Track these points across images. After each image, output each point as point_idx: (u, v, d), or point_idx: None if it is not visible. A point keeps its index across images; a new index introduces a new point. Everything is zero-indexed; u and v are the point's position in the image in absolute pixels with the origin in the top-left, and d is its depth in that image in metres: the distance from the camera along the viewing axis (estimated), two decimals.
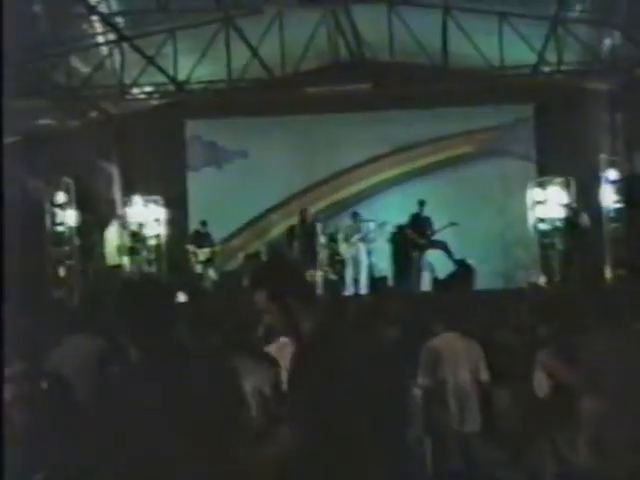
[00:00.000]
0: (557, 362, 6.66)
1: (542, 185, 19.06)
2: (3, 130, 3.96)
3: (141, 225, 19.05)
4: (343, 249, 17.85)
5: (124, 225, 18.09)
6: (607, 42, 16.89)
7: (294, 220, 18.42)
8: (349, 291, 17.60)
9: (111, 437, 3.61)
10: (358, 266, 17.68)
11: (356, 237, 17.72)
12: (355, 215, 18.13)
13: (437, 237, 17.14)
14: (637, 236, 17.09)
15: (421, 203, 17.19)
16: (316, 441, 3.79)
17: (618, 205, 18.00)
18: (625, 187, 17.88)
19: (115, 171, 19.40)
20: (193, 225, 19.02)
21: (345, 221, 18.47)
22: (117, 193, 19.45)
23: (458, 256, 16.92)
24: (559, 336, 7.54)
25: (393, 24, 17.26)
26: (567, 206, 18.29)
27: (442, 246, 16.84)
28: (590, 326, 6.51)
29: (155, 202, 19.67)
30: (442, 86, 17.81)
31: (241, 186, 19.81)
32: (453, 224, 16.80)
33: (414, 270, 17.14)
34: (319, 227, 17.78)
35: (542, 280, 18.05)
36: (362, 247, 17.70)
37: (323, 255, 17.47)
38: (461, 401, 7.96)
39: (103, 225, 18.08)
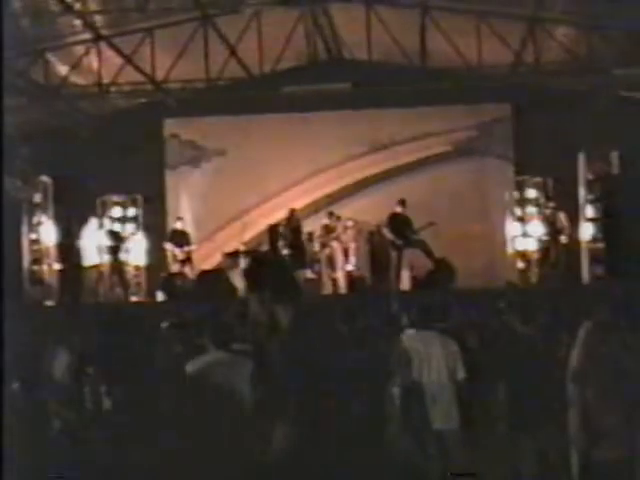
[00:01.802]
0: None
1: (520, 186, 19.17)
2: (3, 130, 3.96)
3: (120, 224, 19.00)
4: (319, 248, 17.89)
5: (102, 224, 18.02)
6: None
7: (273, 219, 18.41)
8: (327, 290, 17.64)
9: None
10: (334, 265, 17.72)
11: (332, 236, 17.75)
12: (330, 214, 18.15)
13: (416, 236, 17.14)
14: (614, 235, 17.18)
15: (402, 202, 17.19)
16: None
17: (595, 204, 18.08)
18: (601, 186, 17.97)
19: (94, 170, 19.30)
20: (171, 224, 18.98)
21: (323, 220, 18.45)
22: (96, 192, 19.36)
23: (437, 255, 16.94)
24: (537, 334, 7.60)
25: (371, 23, 17.29)
26: (544, 206, 18.38)
27: (421, 245, 16.85)
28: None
29: (133, 201, 19.65)
30: (420, 85, 17.85)
31: (219, 185, 19.80)
32: (432, 224, 16.80)
33: (392, 269, 17.15)
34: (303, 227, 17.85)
35: (520, 279, 18.14)
36: (338, 246, 17.74)
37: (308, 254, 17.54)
38: (438, 399, 7.98)
39: (82, 224, 17.99)
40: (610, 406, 6.04)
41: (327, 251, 17.81)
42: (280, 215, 18.36)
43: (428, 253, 16.77)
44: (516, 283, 17.56)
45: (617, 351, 6.16)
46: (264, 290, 4.25)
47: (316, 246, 17.89)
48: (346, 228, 18.04)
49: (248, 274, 4.11)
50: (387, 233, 17.11)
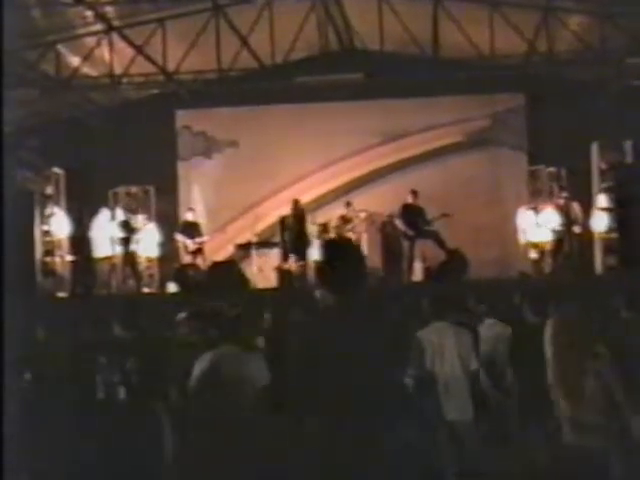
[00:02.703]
0: None
1: (534, 176, 19.12)
2: (3, 131, 3.92)
3: (131, 215, 18.97)
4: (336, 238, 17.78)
5: (114, 215, 17.97)
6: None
7: (285, 210, 18.38)
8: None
9: None
10: None
11: (348, 227, 17.67)
12: (348, 204, 18.07)
13: (429, 227, 17.05)
14: (627, 225, 17.07)
15: (414, 193, 17.11)
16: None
17: (609, 194, 17.96)
18: (615, 176, 17.86)
19: (105, 161, 19.29)
20: (183, 215, 18.95)
21: (337, 211, 18.40)
22: (108, 183, 19.35)
23: (450, 245, 16.86)
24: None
25: (383, 13, 17.22)
26: (558, 196, 18.28)
27: (433, 236, 16.77)
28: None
29: (145, 192, 19.65)
30: (433, 76, 17.77)
31: (231, 176, 19.78)
32: (445, 215, 16.70)
33: (405, 260, 17.09)
34: (309, 217, 17.78)
35: (533, 270, 18.05)
36: (354, 237, 17.64)
37: (314, 245, 17.43)
38: (452, 390, 7.94)
39: (93, 216, 17.98)
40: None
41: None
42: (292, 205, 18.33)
43: (441, 244, 16.69)
44: (529, 274, 17.49)
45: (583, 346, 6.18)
46: (336, 280, 4.23)
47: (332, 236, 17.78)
48: (359, 219, 17.97)
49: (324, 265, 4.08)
50: (399, 224, 17.04)
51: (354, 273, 4.31)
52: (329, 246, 4.82)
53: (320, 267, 4.60)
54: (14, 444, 4.17)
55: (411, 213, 16.95)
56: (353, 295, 4.28)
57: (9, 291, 3.87)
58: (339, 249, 4.59)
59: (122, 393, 5.95)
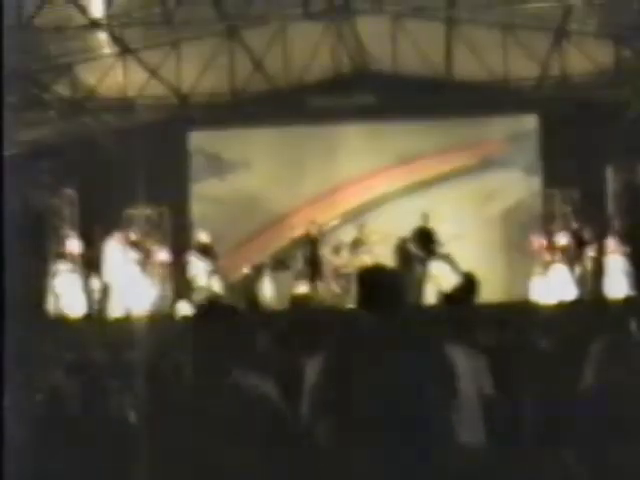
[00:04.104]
0: None
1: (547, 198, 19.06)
2: (3, 130, 3.92)
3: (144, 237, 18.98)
4: (348, 261, 17.71)
5: (127, 237, 17.96)
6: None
7: (298, 232, 18.36)
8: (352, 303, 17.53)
9: None
10: None
11: (362, 249, 17.63)
12: (361, 226, 18.03)
13: (442, 249, 17.04)
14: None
15: (425, 216, 17.10)
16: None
17: (623, 217, 17.91)
18: (629, 199, 17.82)
19: (119, 183, 19.33)
20: (196, 236, 18.94)
21: (349, 233, 18.38)
22: (122, 204, 19.38)
23: (463, 268, 16.81)
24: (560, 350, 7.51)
25: (397, 35, 17.26)
26: (571, 218, 18.23)
27: (446, 259, 16.75)
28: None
29: (159, 214, 19.67)
30: (446, 98, 17.79)
31: (244, 198, 19.79)
32: (457, 237, 16.71)
33: (417, 282, 17.05)
34: (323, 239, 17.77)
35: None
36: (368, 260, 17.59)
37: (326, 268, 17.41)
38: (465, 414, 7.89)
39: (106, 237, 17.99)
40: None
41: (357, 264, 17.63)
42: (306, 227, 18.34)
43: (453, 267, 16.65)
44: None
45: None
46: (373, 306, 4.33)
47: (345, 259, 17.72)
48: (372, 241, 17.93)
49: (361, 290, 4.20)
50: (412, 247, 17.03)
51: (394, 297, 4.38)
52: (369, 272, 4.89)
53: (361, 291, 4.64)
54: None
55: (423, 236, 16.95)
56: (393, 317, 4.35)
57: (17, 311, 3.87)
58: (379, 275, 4.67)
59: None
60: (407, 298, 4.72)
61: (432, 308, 15.99)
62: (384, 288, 4.39)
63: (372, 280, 4.54)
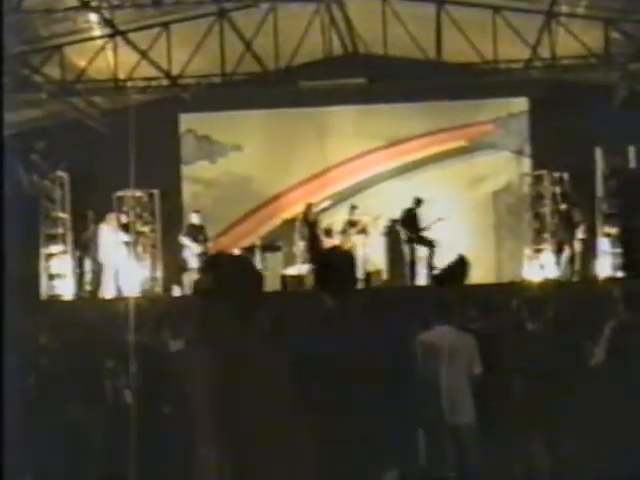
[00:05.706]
0: None
1: (537, 181, 19.10)
2: (3, 130, 3.96)
3: (135, 219, 19.01)
4: (340, 243, 17.75)
5: (119, 220, 17.97)
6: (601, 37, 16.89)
7: (289, 214, 18.39)
8: None
9: None
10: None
11: (353, 230, 17.67)
12: (353, 208, 18.05)
13: (428, 233, 17.07)
14: (630, 231, 17.07)
15: (417, 201, 17.14)
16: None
17: (612, 199, 17.95)
18: (618, 181, 17.86)
19: (110, 165, 19.33)
20: (187, 219, 18.98)
21: (340, 214, 18.43)
22: (112, 187, 19.37)
23: (452, 250, 16.87)
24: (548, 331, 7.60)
25: (387, 18, 17.27)
26: (560, 201, 18.30)
27: (429, 244, 16.87)
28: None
29: (150, 196, 19.67)
30: (436, 80, 17.81)
31: (235, 180, 19.82)
32: (440, 219, 16.79)
33: (407, 264, 17.12)
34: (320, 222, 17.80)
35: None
36: (359, 240, 17.64)
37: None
38: (454, 394, 7.98)
39: (98, 220, 18.02)
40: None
41: (349, 245, 17.68)
42: (296, 210, 18.38)
43: (432, 255, 16.80)
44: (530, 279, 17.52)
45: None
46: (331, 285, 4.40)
47: (336, 240, 17.76)
48: (364, 222, 17.96)
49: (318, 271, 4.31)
50: (400, 229, 17.11)
51: (348, 277, 4.47)
52: (326, 253, 5.06)
53: (318, 272, 4.77)
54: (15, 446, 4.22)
55: (411, 218, 17.02)
56: (351, 297, 4.42)
57: (12, 294, 3.91)
58: (334, 255, 4.80)
59: None
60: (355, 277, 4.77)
61: (420, 288, 16.14)
62: (336, 268, 4.51)
63: (326, 261, 4.68)
